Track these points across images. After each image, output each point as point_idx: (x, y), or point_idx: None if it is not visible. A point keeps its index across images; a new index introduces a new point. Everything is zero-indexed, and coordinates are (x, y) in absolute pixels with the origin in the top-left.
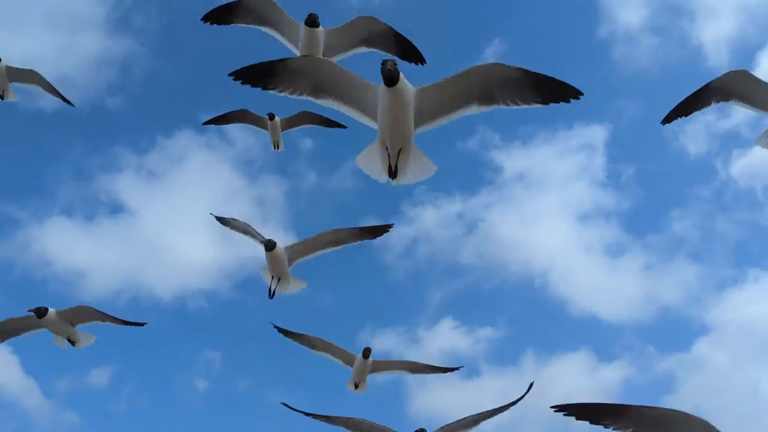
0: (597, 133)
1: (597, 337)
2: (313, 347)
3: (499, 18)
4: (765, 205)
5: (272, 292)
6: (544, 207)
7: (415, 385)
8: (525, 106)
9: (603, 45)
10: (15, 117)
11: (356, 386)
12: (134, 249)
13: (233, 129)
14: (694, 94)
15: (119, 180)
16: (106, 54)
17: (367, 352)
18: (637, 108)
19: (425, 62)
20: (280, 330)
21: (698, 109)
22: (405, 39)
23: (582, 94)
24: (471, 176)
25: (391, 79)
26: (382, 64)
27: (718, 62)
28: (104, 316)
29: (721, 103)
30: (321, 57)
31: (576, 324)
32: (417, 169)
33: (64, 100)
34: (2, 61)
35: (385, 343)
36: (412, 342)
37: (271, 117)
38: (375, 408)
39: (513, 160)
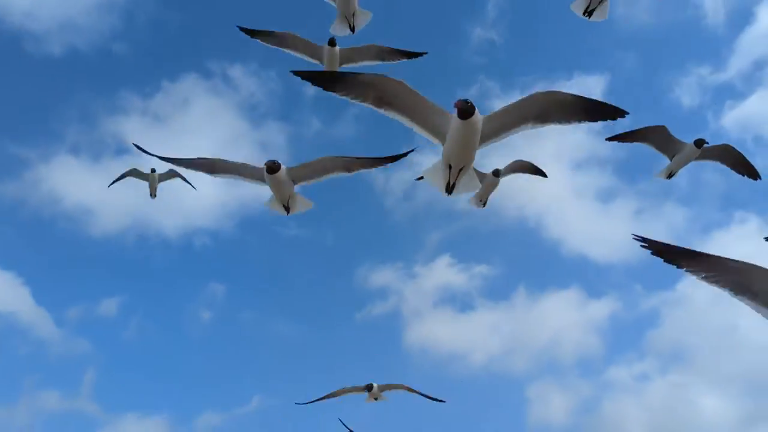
0: (596, 84)
1: (587, 275)
2: (285, 45)
3: None
4: (755, 155)
5: (287, 209)
6: (542, 154)
7: (411, 318)
8: (575, 124)
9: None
10: (24, 62)
11: None
12: (140, 190)
13: (239, 75)
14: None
15: (125, 123)
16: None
17: None
18: (635, 61)
19: (427, 53)
20: (245, 30)
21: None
22: (405, 51)
23: (627, 113)
24: None
25: (467, 113)
26: (459, 102)
27: (715, 20)
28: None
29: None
30: (391, 78)
31: (567, 263)
32: (470, 185)
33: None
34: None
35: (384, 278)
36: (408, 278)
37: (332, 43)
38: (372, 340)
39: None
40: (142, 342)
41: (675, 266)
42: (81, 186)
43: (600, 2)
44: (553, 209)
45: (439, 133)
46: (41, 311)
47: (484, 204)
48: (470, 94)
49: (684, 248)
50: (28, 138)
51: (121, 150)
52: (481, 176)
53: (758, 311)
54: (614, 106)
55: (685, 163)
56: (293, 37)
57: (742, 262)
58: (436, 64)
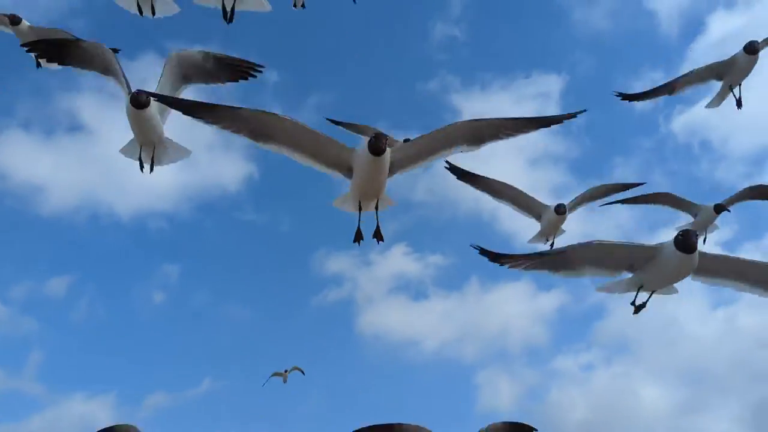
0: (554, 82)
1: None
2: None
3: None
4: (701, 159)
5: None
6: (498, 149)
7: (364, 304)
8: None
9: (563, 6)
10: None
11: None
12: (93, 167)
13: None
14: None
15: (78, 99)
16: None
17: None
18: (591, 63)
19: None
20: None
21: None
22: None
23: (562, 121)
24: (430, 117)
25: (381, 151)
26: (374, 138)
27: (669, 29)
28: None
29: None
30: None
31: None
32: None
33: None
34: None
35: (339, 265)
36: (363, 265)
37: None
38: (326, 326)
39: (471, 103)
40: (91, 322)
41: (499, 264)
42: (31, 162)
43: None
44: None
45: (341, 167)
46: None
47: (551, 243)
48: (431, 88)
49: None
50: None
51: (74, 127)
52: (538, 207)
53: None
54: (547, 117)
55: (707, 226)
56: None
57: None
58: (398, 57)
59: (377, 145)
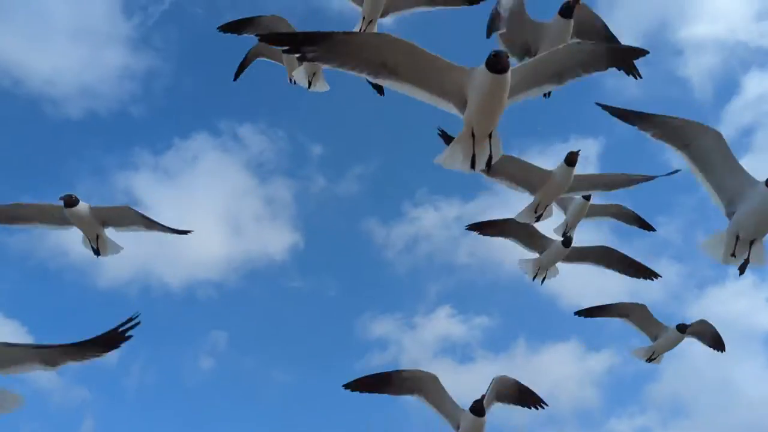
0: (591, 145)
1: (585, 328)
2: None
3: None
4: None
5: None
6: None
7: (409, 366)
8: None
9: (595, 76)
10: (41, 124)
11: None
12: (147, 242)
13: (248, 133)
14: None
15: (135, 177)
16: (129, 68)
17: None
18: (627, 126)
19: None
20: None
21: None
22: None
23: (647, 51)
24: (470, 182)
25: (505, 68)
26: (495, 55)
27: (703, 95)
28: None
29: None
30: (390, 35)
31: (565, 316)
32: (496, 151)
33: (176, 231)
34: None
35: (383, 328)
36: (408, 328)
37: None
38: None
39: None
40: (141, 390)
41: (630, 124)
42: None
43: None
44: None
45: (455, 96)
46: None
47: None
48: None
49: (635, 111)
50: (39, 190)
51: (130, 203)
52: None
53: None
54: (632, 47)
55: (670, 348)
56: (282, 22)
57: (686, 121)
58: (436, 128)
59: (498, 61)
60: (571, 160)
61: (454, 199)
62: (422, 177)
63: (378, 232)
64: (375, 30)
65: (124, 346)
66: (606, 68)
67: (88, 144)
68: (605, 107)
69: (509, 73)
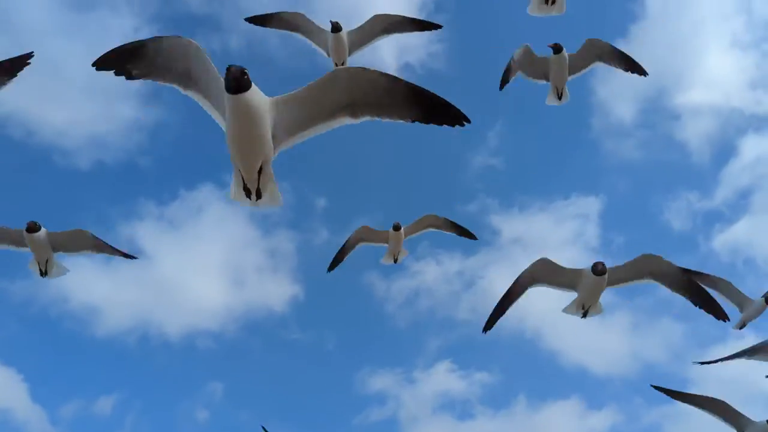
0: (592, 203)
1: (586, 386)
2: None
3: (504, 102)
4: (746, 276)
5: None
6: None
7: (407, 424)
8: (402, 121)
9: (595, 139)
10: (51, 174)
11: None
12: (148, 291)
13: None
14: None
15: (140, 227)
16: (138, 121)
17: None
18: (627, 185)
19: (441, 26)
20: (254, 20)
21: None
22: (417, 19)
23: (469, 121)
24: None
25: (238, 85)
26: (227, 69)
27: (701, 158)
28: (99, 244)
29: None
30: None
31: (567, 374)
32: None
33: (124, 255)
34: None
35: (383, 382)
36: (407, 382)
37: (336, 28)
38: None
39: (510, 224)
40: None
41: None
42: (90, 286)
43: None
44: (549, 321)
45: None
46: (37, 408)
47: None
48: (470, 210)
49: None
50: None
51: (133, 252)
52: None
53: None
54: (451, 105)
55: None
56: (302, 18)
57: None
58: (438, 185)
59: (231, 76)
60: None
61: (455, 253)
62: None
63: (379, 286)
64: None
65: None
66: (414, 119)
67: (94, 193)
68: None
69: (251, 94)
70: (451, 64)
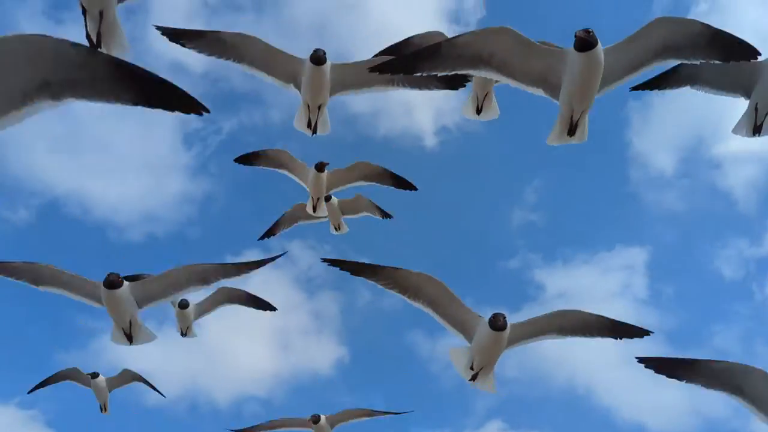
0: (637, 254)
1: None
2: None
3: (541, 158)
4: None
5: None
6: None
7: None
8: (702, 61)
9: (636, 191)
10: (105, 248)
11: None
12: (197, 357)
13: (297, 250)
14: None
15: (188, 294)
16: (188, 193)
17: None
18: (673, 235)
19: (416, 188)
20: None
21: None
22: (396, 175)
23: (759, 53)
24: (515, 293)
25: (588, 43)
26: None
27: (747, 206)
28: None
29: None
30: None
31: (621, 430)
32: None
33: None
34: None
35: None
36: None
37: (320, 168)
38: None
39: (555, 278)
40: None
41: (677, 379)
42: (140, 354)
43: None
44: (601, 377)
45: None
46: None
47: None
48: (512, 266)
49: (680, 359)
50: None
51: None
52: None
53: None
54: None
55: None
56: (287, 155)
57: (729, 364)
58: (479, 241)
59: (583, 36)
60: None
61: (500, 307)
62: (468, 288)
63: (423, 345)
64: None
65: None
66: (713, 59)
67: (145, 265)
68: (643, 360)
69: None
70: (487, 125)
